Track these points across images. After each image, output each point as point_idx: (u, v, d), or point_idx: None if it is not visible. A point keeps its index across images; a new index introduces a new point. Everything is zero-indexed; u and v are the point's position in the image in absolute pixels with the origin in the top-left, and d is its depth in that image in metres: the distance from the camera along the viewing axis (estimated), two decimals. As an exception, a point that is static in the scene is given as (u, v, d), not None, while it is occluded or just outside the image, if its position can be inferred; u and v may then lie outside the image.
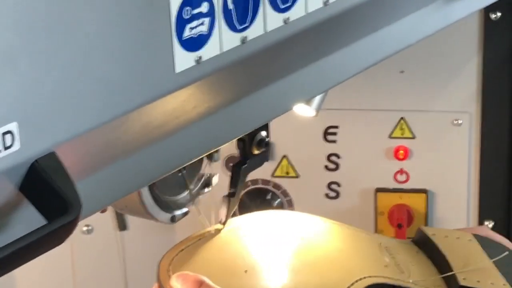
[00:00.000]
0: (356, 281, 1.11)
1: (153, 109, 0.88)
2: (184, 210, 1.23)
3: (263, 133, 1.20)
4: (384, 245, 1.21)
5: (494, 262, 1.21)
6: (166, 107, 0.90)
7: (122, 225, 1.52)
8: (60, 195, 0.78)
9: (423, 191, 1.61)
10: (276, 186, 1.66)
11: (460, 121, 1.56)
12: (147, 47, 0.85)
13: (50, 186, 0.78)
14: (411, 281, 1.15)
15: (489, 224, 1.55)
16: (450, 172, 1.60)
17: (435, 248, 1.21)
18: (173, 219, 1.21)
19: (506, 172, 1.55)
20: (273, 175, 1.65)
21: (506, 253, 1.22)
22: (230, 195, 1.21)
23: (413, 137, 1.59)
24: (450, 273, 1.16)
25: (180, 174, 1.19)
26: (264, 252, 1.13)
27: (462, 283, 1.16)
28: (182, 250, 1.14)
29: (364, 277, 1.12)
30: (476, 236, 1.25)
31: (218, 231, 1.16)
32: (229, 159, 1.26)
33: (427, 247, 1.23)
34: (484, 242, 1.25)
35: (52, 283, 1.70)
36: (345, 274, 1.13)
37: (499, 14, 1.47)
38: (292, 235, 1.16)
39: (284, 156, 1.63)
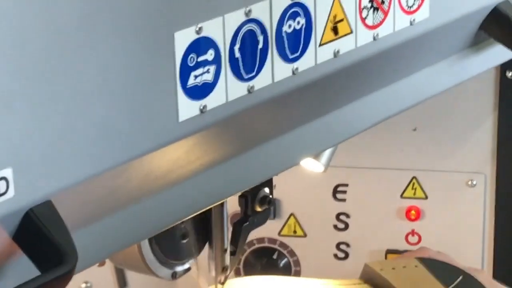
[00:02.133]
0: None
1: (155, 158, 0.88)
2: (186, 266, 1.22)
3: (266, 190, 1.20)
4: None
5: (453, 287, 1.20)
6: (169, 156, 0.90)
7: (122, 282, 1.52)
8: (55, 245, 0.77)
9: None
10: (283, 245, 1.65)
11: (474, 182, 1.56)
12: (150, 94, 0.85)
13: (44, 236, 0.77)
14: None
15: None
16: (463, 235, 1.59)
17: (386, 283, 1.20)
18: (174, 276, 1.21)
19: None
20: (279, 234, 1.64)
21: (461, 277, 1.22)
22: (231, 253, 1.21)
23: (426, 198, 1.58)
24: None
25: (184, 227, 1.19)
26: None
27: None
28: None
29: None
30: (421, 260, 1.25)
31: None
32: (233, 216, 1.25)
33: (378, 283, 1.21)
34: (431, 265, 1.25)
35: None
36: None
37: (514, 73, 1.47)
38: None
39: (292, 214, 1.62)
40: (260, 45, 0.93)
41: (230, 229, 1.24)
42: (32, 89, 0.76)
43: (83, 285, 1.62)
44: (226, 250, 1.21)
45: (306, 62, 0.98)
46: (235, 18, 0.90)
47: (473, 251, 1.58)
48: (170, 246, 1.19)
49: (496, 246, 1.57)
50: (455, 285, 1.20)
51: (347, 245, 1.68)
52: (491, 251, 1.58)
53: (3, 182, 0.74)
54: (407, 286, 1.18)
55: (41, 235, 0.77)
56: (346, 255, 1.69)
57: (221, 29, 0.89)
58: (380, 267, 1.21)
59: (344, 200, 1.61)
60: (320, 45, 0.99)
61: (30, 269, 0.77)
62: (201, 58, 0.88)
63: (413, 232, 1.59)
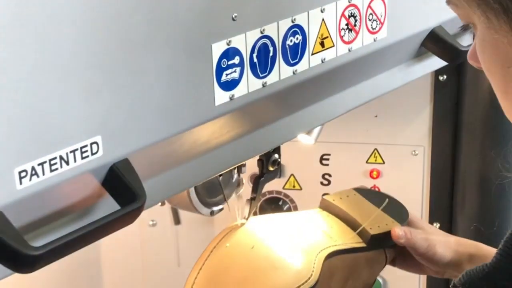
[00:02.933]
0: (318, 253, 1.07)
1: (199, 130, 0.87)
2: (220, 207, 1.22)
3: (276, 156, 1.20)
4: (318, 222, 1.17)
5: (381, 209, 1.17)
6: (208, 129, 0.89)
7: (176, 220, 1.51)
8: (131, 189, 0.77)
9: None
10: (286, 195, 1.65)
11: (416, 152, 1.55)
12: (196, 86, 0.84)
13: (123, 183, 0.77)
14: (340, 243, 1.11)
15: (436, 225, 1.53)
16: (409, 188, 1.58)
17: (337, 208, 1.17)
18: (212, 213, 1.21)
19: (449, 188, 1.54)
20: (283, 188, 1.64)
21: (387, 200, 1.18)
22: (252, 199, 1.20)
23: (383, 163, 1.58)
24: (361, 228, 1.12)
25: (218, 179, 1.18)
26: (264, 237, 1.11)
27: (372, 232, 1.12)
28: (221, 239, 1.11)
29: (322, 250, 1.08)
30: (357, 190, 1.23)
31: (242, 224, 1.14)
32: (252, 176, 1.25)
33: (331, 210, 1.18)
34: (364, 193, 1.22)
35: (127, 264, 1.69)
36: (312, 248, 1.09)
37: (445, 76, 1.46)
38: (279, 229, 1.13)
39: (292, 175, 1.62)
40: (271, 54, 0.92)
41: (251, 184, 1.24)
42: (113, 81, 0.75)
43: (150, 222, 1.62)
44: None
45: (302, 65, 0.97)
46: (253, 35, 0.89)
47: (415, 199, 1.57)
48: (209, 192, 1.19)
49: (431, 197, 1.56)
50: (384, 205, 1.18)
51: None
52: (427, 200, 1.57)
53: (95, 145, 0.74)
54: (351, 208, 1.17)
55: (121, 182, 0.77)
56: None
57: (244, 42, 0.88)
58: (332, 198, 1.19)
59: (327, 165, 1.60)
60: (312, 54, 0.98)
61: (113, 205, 0.77)
62: (230, 62, 0.87)
63: (374, 186, 1.58)
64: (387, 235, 1.12)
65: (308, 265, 1.04)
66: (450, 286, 0.99)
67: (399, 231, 1.10)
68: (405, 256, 1.13)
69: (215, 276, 1.05)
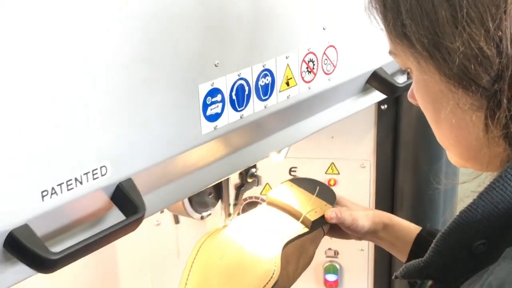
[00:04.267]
0: (276, 249, 1.04)
1: (189, 154, 0.86)
2: (209, 212, 1.21)
3: (253, 170, 1.20)
4: (270, 219, 1.12)
5: (315, 195, 1.15)
6: (197, 153, 0.88)
7: (176, 220, 1.50)
8: (133, 203, 0.77)
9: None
10: (262, 200, 1.63)
11: (364, 165, 1.55)
12: (186, 119, 0.83)
13: (128, 198, 0.77)
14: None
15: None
16: (357, 193, 1.57)
17: (284, 204, 1.13)
18: (202, 218, 1.21)
19: (390, 193, 1.54)
20: (261, 193, 1.62)
21: (318, 187, 1.16)
22: (235, 204, 1.20)
23: (338, 173, 1.57)
24: (302, 216, 1.10)
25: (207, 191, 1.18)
26: (229, 246, 1.07)
27: (311, 219, 1.09)
28: (215, 232, 1.09)
29: (278, 245, 1.05)
30: (292, 181, 1.20)
31: (226, 225, 1.12)
32: (235, 185, 1.24)
33: (279, 206, 1.14)
34: (298, 182, 1.20)
35: (137, 255, 1.67)
36: (270, 245, 1.06)
37: (386, 106, 1.46)
38: (240, 235, 1.09)
39: (267, 183, 1.60)
40: (246, 92, 0.91)
41: (234, 192, 1.23)
42: (121, 116, 0.75)
43: (156, 222, 1.60)
44: (230, 204, 1.20)
45: (272, 101, 0.96)
46: (232, 77, 0.88)
47: (364, 201, 1.56)
48: (199, 201, 1.18)
49: (376, 200, 1.56)
50: (317, 192, 1.16)
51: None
52: (373, 202, 1.56)
53: (104, 168, 0.74)
54: (292, 200, 1.14)
55: (126, 197, 0.77)
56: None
57: (225, 83, 0.88)
58: (275, 193, 1.16)
59: (295, 175, 1.58)
60: (279, 91, 0.97)
61: (119, 216, 0.77)
62: (213, 99, 0.86)
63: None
64: (322, 217, 1.11)
65: (270, 262, 1.01)
66: (393, 277, 0.98)
67: (331, 213, 1.10)
68: (335, 228, 1.13)
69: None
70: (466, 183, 0.71)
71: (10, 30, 0.62)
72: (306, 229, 1.09)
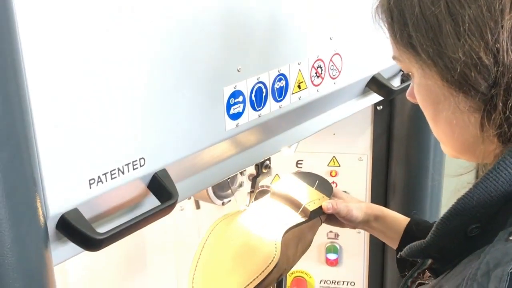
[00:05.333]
0: (277, 235, 1.03)
1: (214, 148, 0.86)
2: (229, 199, 1.21)
3: (267, 162, 1.19)
4: (273, 209, 1.11)
5: (315, 187, 1.14)
6: (221, 147, 0.88)
7: (197, 206, 1.50)
8: (167, 190, 0.76)
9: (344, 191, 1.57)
10: (272, 188, 1.63)
11: (362, 158, 1.54)
12: (212, 117, 0.83)
13: (163, 186, 0.76)
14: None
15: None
16: (356, 185, 1.56)
17: (286, 196, 1.12)
18: (223, 204, 1.20)
19: (384, 182, 1.52)
20: (271, 183, 1.60)
21: (317, 181, 1.15)
22: (251, 192, 1.20)
23: (339, 166, 1.55)
24: (302, 207, 1.08)
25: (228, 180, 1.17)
26: (238, 230, 1.07)
27: (310, 209, 1.08)
28: (225, 218, 1.09)
29: (279, 232, 1.04)
30: (294, 174, 1.19)
31: (243, 210, 1.12)
32: (250, 175, 1.24)
33: (281, 196, 1.12)
34: (300, 175, 1.18)
35: (164, 236, 1.67)
36: (273, 232, 1.04)
37: (381, 106, 1.46)
38: (249, 222, 1.08)
39: (276, 174, 1.58)
40: (264, 94, 0.91)
41: (250, 181, 1.22)
42: (158, 115, 0.74)
43: (180, 208, 1.60)
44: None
45: (285, 102, 0.96)
46: (252, 81, 0.88)
47: (361, 190, 1.55)
48: (221, 188, 1.18)
49: (372, 189, 1.55)
50: (316, 185, 1.14)
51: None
52: (369, 191, 1.55)
53: (143, 160, 0.74)
54: (293, 191, 1.12)
55: (161, 185, 0.76)
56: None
57: (246, 86, 0.87)
58: (276, 185, 1.15)
59: (301, 167, 1.57)
60: (292, 93, 0.97)
61: (155, 202, 0.76)
62: (236, 100, 0.86)
63: (333, 182, 1.56)
64: (320, 208, 1.10)
65: (272, 247, 1.01)
66: (397, 257, 0.98)
67: (327, 205, 1.09)
68: (332, 218, 1.12)
69: (209, 269, 1.01)
70: (453, 176, 0.71)
71: (77, 39, 0.62)
72: (305, 218, 1.08)
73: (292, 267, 1.08)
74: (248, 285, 0.96)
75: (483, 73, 0.61)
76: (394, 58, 0.70)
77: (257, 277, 0.97)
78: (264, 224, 1.07)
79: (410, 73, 0.69)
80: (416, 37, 0.64)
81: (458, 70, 0.61)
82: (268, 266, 0.98)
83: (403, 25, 0.65)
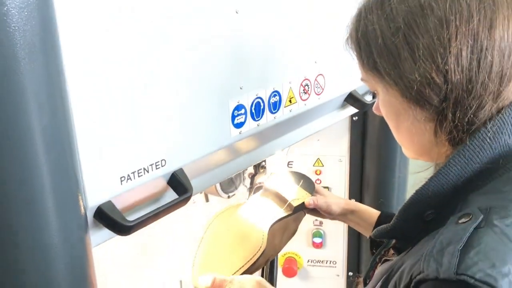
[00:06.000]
0: (265, 227, 1.02)
1: (222, 151, 0.86)
2: (233, 193, 1.21)
3: (263, 163, 1.19)
4: (263, 204, 1.10)
5: (300, 186, 1.13)
6: (226, 151, 0.88)
7: (207, 199, 1.49)
8: (184, 186, 0.76)
9: (326, 187, 1.57)
10: (267, 184, 1.63)
11: (341, 160, 1.54)
12: (220, 126, 0.83)
13: (180, 182, 0.76)
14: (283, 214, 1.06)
15: (352, 199, 1.51)
16: (337, 180, 1.56)
17: (275, 192, 1.11)
18: (229, 197, 1.20)
19: (359, 180, 1.53)
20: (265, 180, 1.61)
21: (302, 180, 1.14)
22: (250, 189, 1.19)
23: (323, 166, 1.56)
24: (287, 203, 1.07)
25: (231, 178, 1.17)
26: (233, 222, 1.06)
27: (294, 204, 1.07)
28: (223, 211, 1.08)
29: (267, 224, 1.03)
30: (282, 173, 1.17)
31: (238, 204, 1.11)
32: (249, 174, 1.24)
33: (271, 193, 1.11)
34: (287, 175, 1.17)
35: (178, 224, 1.67)
36: (261, 224, 1.03)
37: (357, 117, 1.46)
38: (242, 215, 1.07)
39: (271, 173, 1.58)
40: (262, 107, 0.91)
41: (249, 179, 1.22)
42: (175, 125, 0.74)
43: (192, 201, 1.59)
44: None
45: (279, 114, 0.96)
46: (252, 96, 0.88)
47: (340, 187, 1.55)
48: (226, 184, 1.18)
49: (350, 185, 1.55)
50: (301, 183, 1.14)
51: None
52: (347, 187, 1.55)
53: (164, 161, 0.73)
54: (280, 188, 1.11)
55: (179, 182, 0.76)
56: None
57: (247, 100, 0.87)
58: (267, 183, 1.14)
59: (292, 166, 1.58)
60: (285, 107, 0.97)
61: (173, 195, 0.76)
62: (239, 112, 0.86)
63: (318, 179, 1.56)
64: (303, 203, 1.09)
65: (260, 237, 1.00)
66: (368, 237, 0.98)
67: (309, 201, 1.08)
68: (314, 211, 1.11)
69: (207, 254, 1.01)
70: (414, 173, 0.71)
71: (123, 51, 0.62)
72: (289, 212, 1.07)
73: (278, 252, 1.08)
74: (239, 269, 0.95)
75: (435, 90, 0.61)
76: (362, 80, 0.70)
77: (247, 262, 0.96)
78: (255, 217, 1.07)
79: (375, 91, 0.69)
80: (380, 63, 0.64)
81: (415, 88, 0.62)
82: (256, 253, 0.98)
83: (369, 53, 0.65)
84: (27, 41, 0.50)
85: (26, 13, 0.49)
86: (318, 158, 1.56)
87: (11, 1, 0.48)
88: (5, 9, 0.48)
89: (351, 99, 1.18)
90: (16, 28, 0.49)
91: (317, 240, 1.59)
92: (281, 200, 1.10)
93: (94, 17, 0.60)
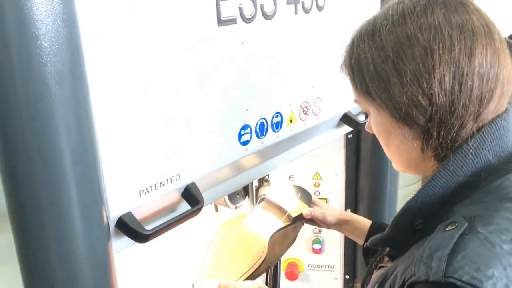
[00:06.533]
0: (266, 237, 1.02)
1: (230, 166, 0.86)
2: (240, 204, 1.20)
3: (267, 176, 1.19)
4: (264, 216, 1.08)
5: (298, 198, 1.12)
6: (234, 166, 0.88)
7: (216, 209, 1.49)
8: (196, 197, 0.76)
9: (325, 198, 1.56)
10: (271, 196, 1.62)
11: (338, 173, 1.53)
12: (229, 144, 0.83)
13: (192, 194, 0.76)
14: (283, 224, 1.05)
15: (348, 210, 1.52)
16: (334, 191, 1.55)
17: (275, 204, 1.09)
18: (236, 207, 1.19)
19: (354, 192, 1.52)
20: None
21: (300, 193, 1.13)
22: (254, 200, 1.19)
23: (321, 179, 1.55)
24: (286, 214, 1.06)
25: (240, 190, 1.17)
26: (238, 232, 1.06)
27: (293, 215, 1.06)
28: (233, 219, 1.08)
29: (268, 234, 1.02)
30: (282, 186, 1.16)
31: (243, 215, 1.11)
32: (255, 186, 1.24)
33: (272, 204, 1.10)
34: (287, 187, 1.15)
35: (190, 232, 1.67)
36: (263, 234, 1.02)
37: (351, 135, 1.45)
38: (247, 225, 1.07)
39: (274, 185, 1.58)
40: (265, 126, 0.91)
41: (254, 191, 1.22)
42: (190, 143, 0.74)
43: (203, 211, 1.59)
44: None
45: (281, 132, 0.96)
46: (256, 117, 0.88)
47: (337, 198, 1.54)
48: (234, 196, 1.18)
49: (345, 196, 1.54)
50: (300, 195, 1.13)
51: (293, 196, 1.66)
52: (343, 198, 1.54)
53: (178, 176, 0.73)
54: (280, 200, 1.10)
55: (191, 194, 0.76)
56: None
57: (252, 121, 0.87)
58: (269, 195, 1.12)
59: (293, 180, 1.57)
60: (286, 126, 0.97)
61: (186, 206, 0.76)
62: (245, 131, 0.86)
63: (317, 191, 1.55)
64: (301, 214, 1.08)
65: (261, 245, 1.00)
66: (363, 246, 0.98)
67: (306, 212, 1.07)
68: (311, 221, 1.10)
69: (214, 261, 1.00)
70: (404, 186, 0.71)
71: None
72: (288, 223, 1.07)
73: (279, 259, 1.07)
74: (243, 274, 0.95)
75: (422, 112, 0.61)
76: (355, 101, 0.71)
77: (250, 268, 0.96)
78: (257, 227, 1.06)
79: (368, 112, 0.69)
80: (372, 87, 0.64)
81: (403, 110, 0.62)
82: (258, 260, 0.97)
83: (362, 78, 0.65)
84: (57, 71, 0.51)
85: (56, 46, 0.50)
86: (317, 172, 1.55)
87: (44, 35, 0.49)
88: (38, 42, 0.49)
89: (346, 119, 1.17)
90: (48, 59, 0.50)
91: (317, 246, 1.58)
92: (281, 211, 1.10)
93: (122, 55, 0.61)
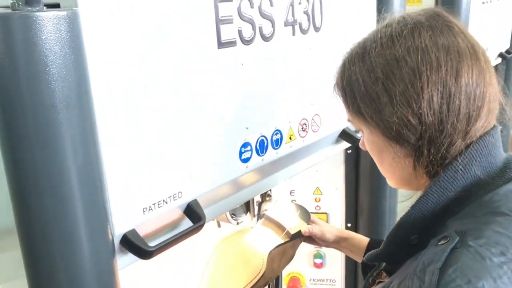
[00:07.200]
0: (265, 253, 1.01)
1: (231, 183, 0.86)
2: (242, 219, 1.21)
3: (269, 191, 1.19)
4: (264, 232, 1.08)
5: (297, 215, 1.12)
6: (236, 182, 0.88)
7: (219, 225, 1.49)
8: (198, 214, 0.76)
9: (325, 213, 1.57)
10: (273, 211, 1.61)
11: (338, 188, 1.53)
12: (230, 161, 0.84)
13: (194, 211, 0.76)
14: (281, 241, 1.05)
15: (348, 224, 1.51)
16: (334, 206, 1.55)
17: (274, 221, 1.09)
18: (238, 223, 1.20)
19: (354, 207, 1.51)
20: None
21: (299, 211, 1.13)
22: (257, 214, 1.19)
23: (322, 194, 1.56)
24: (285, 231, 1.06)
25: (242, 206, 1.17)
26: (238, 247, 1.06)
27: (291, 232, 1.06)
28: (233, 234, 1.08)
29: (267, 250, 1.02)
30: (282, 204, 1.16)
31: (247, 229, 1.11)
32: (257, 202, 1.24)
33: (271, 221, 1.10)
34: (286, 205, 1.15)
35: (195, 245, 1.66)
36: (262, 250, 1.02)
37: (350, 150, 1.46)
38: (246, 241, 1.07)
39: (276, 200, 1.58)
40: (265, 144, 0.92)
41: (256, 207, 1.22)
42: (192, 161, 0.74)
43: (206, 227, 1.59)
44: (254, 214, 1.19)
45: (281, 149, 0.96)
46: (256, 135, 0.89)
47: (338, 212, 1.54)
48: (236, 212, 1.18)
49: (346, 211, 1.53)
50: (299, 213, 1.13)
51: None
52: (344, 213, 1.54)
53: (180, 193, 0.73)
54: (280, 217, 1.09)
55: (193, 211, 0.76)
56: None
57: (252, 138, 0.88)
58: (271, 212, 1.12)
59: (294, 195, 1.58)
60: (286, 143, 0.98)
61: (189, 223, 0.76)
62: (246, 149, 0.87)
63: (317, 206, 1.55)
64: (300, 231, 1.08)
65: (260, 262, 1.00)
66: (360, 262, 0.98)
67: (305, 229, 1.08)
68: (310, 238, 1.10)
69: (214, 275, 1.00)
70: (402, 202, 0.72)
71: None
72: (287, 239, 1.07)
73: (277, 275, 1.07)
74: None
75: (412, 131, 0.62)
76: (348, 120, 0.72)
77: (249, 283, 0.96)
78: (257, 242, 1.06)
79: (360, 130, 0.71)
80: (363, 107, 0.65)
81: (394, 129, 0.63)
82: (257, 275, 0.98)
83: (353, 99, 0.67)
84: (65, 95, 0.53)
85: (64, 72, 0.52)
86: (317, 187, 1.56)
87: (52, 62, 0.52)
88: (47, 69, 0.51)
89: (344, 135, 1.18)
90: (56, 85, 0.52)
91: (318, 260, 1.58)
92: (280, 228, 1.10)
93: (128, 78, 0.62)
